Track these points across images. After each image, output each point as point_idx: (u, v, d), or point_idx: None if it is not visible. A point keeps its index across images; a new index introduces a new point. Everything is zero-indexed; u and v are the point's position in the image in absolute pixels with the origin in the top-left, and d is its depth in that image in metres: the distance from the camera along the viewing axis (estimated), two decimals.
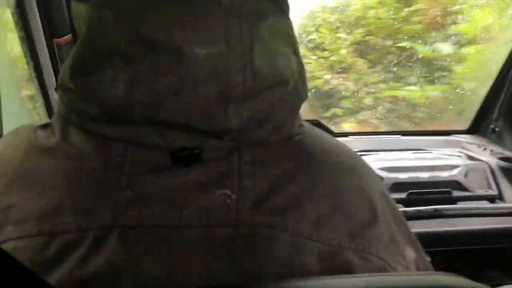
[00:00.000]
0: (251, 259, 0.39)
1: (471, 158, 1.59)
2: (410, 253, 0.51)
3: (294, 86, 0.44)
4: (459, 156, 1.62)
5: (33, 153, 0.42)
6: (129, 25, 0.38)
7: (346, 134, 1.79)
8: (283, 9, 0.45)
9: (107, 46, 0.39)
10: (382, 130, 2.12)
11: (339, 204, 0.44)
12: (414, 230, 1.31)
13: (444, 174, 1.45)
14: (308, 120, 1.49)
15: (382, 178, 1.41)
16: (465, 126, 1.83)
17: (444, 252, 1.44)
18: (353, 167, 0.48)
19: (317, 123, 1.71)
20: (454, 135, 1.80)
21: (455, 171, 1.46)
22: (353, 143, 1.70)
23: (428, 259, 1.43)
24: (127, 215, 0.38)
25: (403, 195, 1.38)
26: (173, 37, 0.37)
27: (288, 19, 0.46)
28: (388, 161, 1.51)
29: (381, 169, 1.44)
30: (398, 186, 1.40)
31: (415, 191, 1.38)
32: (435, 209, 1.22)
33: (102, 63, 0.39)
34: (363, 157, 1.54)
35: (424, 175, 1.44)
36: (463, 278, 0.37)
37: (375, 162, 1.49)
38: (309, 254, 0.41)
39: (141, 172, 0.40)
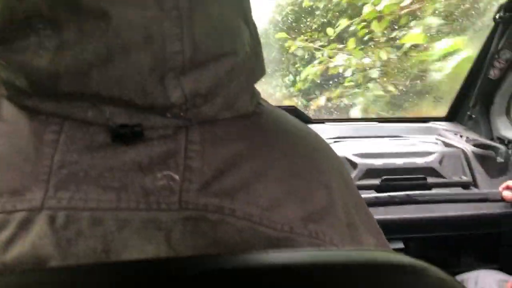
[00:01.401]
0: (193, 244, 0.36)
1: (447, 145, 1.58)
2: (369, 240, 0.49)
3: (245, 60, 0.40)
4: (436, 143, 1.61)
5: None
6: None
7: (322, 121, 1.76)
8: None
9: (29, 9, 0.35)
10: (360, 117, 2.11)
11: (293, 188, 0.41)
12: (386, 216, 1.30)
13: (419, 161, 1.44)
14: (284, 106, 1.47)
15: (355, 165, 1.39)
16: (443, 113, 1.83)
17: (418, 238, 1.44)
18: (312, 151, 0.45)
19: (293, 109, 1.68)
20: (432, 122, 1.79)
21: (430, 158, 1.45)
22: (329, 130, 1.68)
23: (401, 245, 1.42)
24: (58, 197, 0.35)
25: (377, 181, 1.36)
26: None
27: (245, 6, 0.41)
28: (363, 147, 1.49)
29: (355, 155, 1.42)
30: (372, 172, 1.38)
31: (389, 177, 1.36)
32: (408, 195, 1.21)
33: (25, 29, 0.35)
34: (338, 143, 1.54)
35: (399, 162, 1.43)
36: (407, 257, 0.35)
37: (350, 148, 1.47)
38: (258, 239, 0.38)
39: (77, 150, 0.37)
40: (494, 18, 1.48)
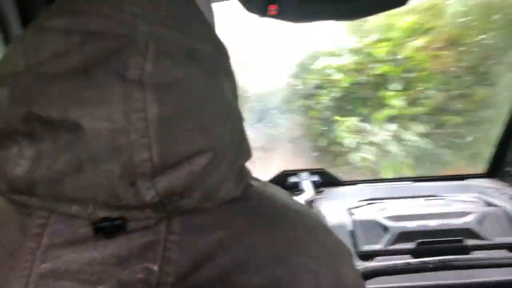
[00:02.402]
0: None
1: (488, 203, 1.50)
2: None
3: (224, 151, 0.41)
4: (475, 201, 1.52)
5: None
6: (22, 104, 0.37)
7: (355, 182, 1.73)
8: (214, 72, 0.41)
9: (7, 126, 0.38)
10: (393, 177, 2.05)
11: (276, 277, 0.40)
12: (423, 283, 1.22)
13: (456, 222, 1.37)
14: (313, 170, 1.45)
15: (387, 228, 1.34)
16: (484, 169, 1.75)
17: None
18: (302, 234, 0.44)
19: (322, 172, 1.67)
20: (470, 179, 1.71)
21: (468, 218, 1.37)
22: (362, 192, 1.65)
23: None
24: None
25: (410, 245, 1.30)
26: (68, 113, 0.35)
27: (221, 80, 0.42)
28: (395, 209, 1.44)
29: (387, 218, 1.38)
30: (405, 235, 1.32)
31: (425, 240, 1.30)
32: (441, 260, 1.14)
33: (6, 140, 0.38)
34: (370, 206, 1.49)
35: (434, 223, 1.36)
36: None
37: (381, 211, 1.42)
38: None
39: (60, 244, 0.38)
40: None
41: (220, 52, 0.44)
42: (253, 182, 0.46)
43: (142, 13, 0.39)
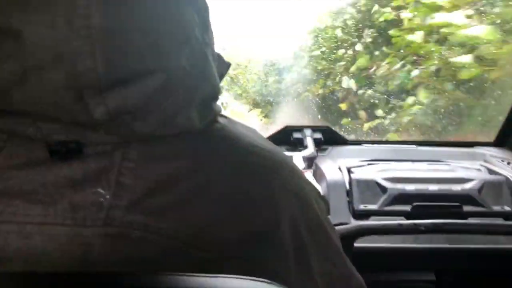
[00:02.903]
0: (111, 261, 0.37)
1: (491, 172, 1.47)
2: (322, 265, 0.47)
3: (181, 76, 0.40)
4: (479, 169, 1.50)
5: None
6: None
7: (359, 142, 1.71)
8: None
9: None
10: (399, 139, 2.02)
11: (235, 207, 0.41)
12: (416, 245, 1.23)
13: (457, 188, 1.35)
14: (317, 126, 1.44)
15: (385, 189, 1.33)
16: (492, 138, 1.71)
17: (452, 271, 1.35)
18: (266, 170, 0.45)
19: (326, 129, 1.66)
20: (477, 147, 1.68)
21: (469, 185, 1.36)
22: (365, 152, 1.63)
23: (433, 277, 1.33)
24: None
25: (407, 208, 1.30)
26: (12, 19, 0.35)
27: (182, 4, 0.41)
28: (396, 171, 1.43)
29: (386, 179, 1.37)
30: (403, 197, 1.32)
31: (421, 203, 1.29)
32: (433, 223, 1.14)
33: None
34: (371, 166, 1.48)
35: (434, 188, 1.35)
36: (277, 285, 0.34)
37: (381, 172, 1.41)
38: (186, 260, 0.39)
39: (15, 165, 0.39)
40: None
41: None
42: (220, 119, 0.46)
43: None
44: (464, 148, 1.68)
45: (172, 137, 0.41)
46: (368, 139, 2.03)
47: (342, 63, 2.86)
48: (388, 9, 2.64)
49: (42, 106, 0.37)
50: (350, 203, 1.33)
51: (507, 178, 1.39)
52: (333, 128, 1.69)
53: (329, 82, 2.84)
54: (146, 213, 0.38)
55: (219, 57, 0.48)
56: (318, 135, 1.62)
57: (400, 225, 1.16)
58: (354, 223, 1.25)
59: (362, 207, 1.31)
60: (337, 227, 1.24)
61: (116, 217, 0.38)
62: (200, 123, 0.43)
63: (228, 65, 0.50)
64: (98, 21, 0.35)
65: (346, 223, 1.25)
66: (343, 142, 1.69)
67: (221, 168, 0.42)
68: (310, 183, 0.50)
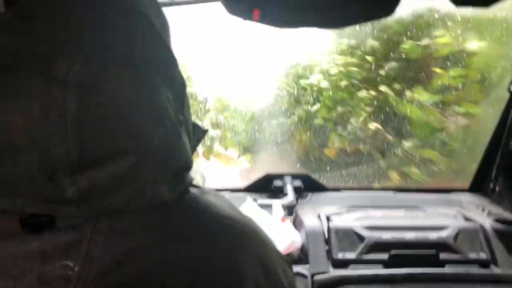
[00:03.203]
0: None
1: (466, 218, 1.50)
2: None
3: (152, 154, 0.42)
4: (455, 216, 1.53)
5: None
6: None
7: (338, 189, 1.74)
8: (151, 80, 0.43)
9: None
10: (377, 186, 2.06)
11: (199, 278, 0.42)
12: None
13: (433, 235, 1.37)
14: (296, 174, 1.46)
15: (363, 238, 1.35)
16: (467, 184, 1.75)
17: None
18: (232, 240, 0.46)
19: (305, 177, 1.68)
20: (454, 193, 1.72)
21: (445, 232, 1.38)
22: (344, 198, 1.66)
23: None
24: None
25: (385, 256, 1.31)
26: None
27: (158, 88, 0.43)
28: (374, 219, 1.45)
29: (364, 227, 1.38)
30: (379, 245, 1.33)
31: (398, 252, 1.31)
32: (409, 273, 1.15)
33: None
34: (349, 214, 1.50)
35: (411, 235, 1.37)
36: None
37: (359, 220, 1.43)
38: None
39: None
40: (509, 89, 1.44)
41: (165, 61, 0.45)
42: (192, 189, 0.48)
43: (87, 20, 0.41)
44: (440, 194, 1.71)
45: (141, 210, 0.43)
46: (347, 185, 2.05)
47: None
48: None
49: (16, 183, 0.39)
50: (329, 251, 1.33)
51: (481, 225, 1.42)
52: (311, 176, 1.72)
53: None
54: (112, 284, 0.39)
55: (194, 126, 0.51)
56: (298, 183, 1.65)
57: (377, 275, 1.16)
58: (333, 272, 1.25)
59: (340, 255, 1.31)
60: (316, 277, 1.24)
61: None
62: (170, 196, 0.45)
63: (205, 131, 0.52)
64: (72, 110, 0.38)
65: (325, 272, 1.26)
66: (323, 189, 1.71)
67: (187, 239, 0.44)
68: (278, 253, 0.51)
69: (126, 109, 0.41)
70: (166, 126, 0.44)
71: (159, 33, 0.46)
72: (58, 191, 0.39)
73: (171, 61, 0.47)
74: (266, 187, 1.66)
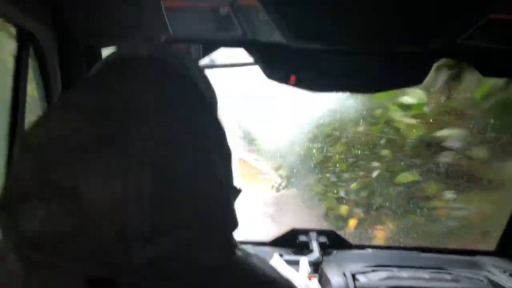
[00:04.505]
0: None
1: (493, 283, 1.50)
2: None
3: (211, 226, 0.47)
4: (481, 280, 1.53)
5: None
6: (41, 172, 0.44)
7: (363, 247, 1.76)
8: (208, 151, 0.49)
9: (24, 188, 0.45)
10: (402, 245, 2.06)
11: None
12: None
13: None
14: (322, 230, 1.49)
15: None
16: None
17: None
18: None
19: (331, 233, 1.71)
20: (479, 256, 1.72)
21: None
22: (370, 257, 1.67)
23: None
24: None
25: None
26: (76, 183, 0.42)
27: (215, 165, 0.49)
28: (399, 279, 1.46)
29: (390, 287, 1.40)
30: None
31: None
32: None
33: (23, 201, 0.45)
34: (376, 272, 1.51)
35: None
36: None
37: (385, 280, 1.45)
38: None
39: None
40: None
41: (220, 138, 0.52)
42: (237, 252, 0.52)
43: (154, 103, 0.47)
44: (465, 256, 1.71)
45: (191, 275, 0.47)
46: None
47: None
48: None
49: (92, 251, 0.44)
50: None
51: None
52: (337, 232, 1.74)
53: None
54: None
55: (233, 189, 0.55)
56: (323, 239, 1.67)
57: None
58: None
59: None
60: None
61: None
62: (221, 260, 0.49)
63: (239, 191, 0.57)
64: (148, 187, 0.43)
65: None
66: (348, 246, 1.73)
67: None
68: None
69: (191, 187, 0.46)
70: (223, 197, 0.49)
71: (216, 117, 0.53)
72: (128, 259, 0.43)
73: (224, 137, 0.53)
74: (291, 241, 1.69)
